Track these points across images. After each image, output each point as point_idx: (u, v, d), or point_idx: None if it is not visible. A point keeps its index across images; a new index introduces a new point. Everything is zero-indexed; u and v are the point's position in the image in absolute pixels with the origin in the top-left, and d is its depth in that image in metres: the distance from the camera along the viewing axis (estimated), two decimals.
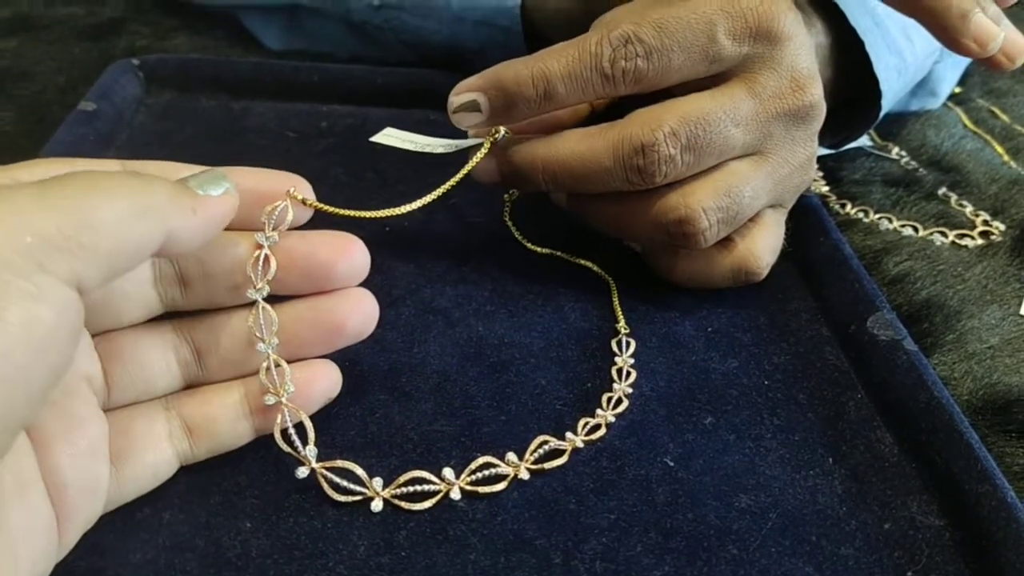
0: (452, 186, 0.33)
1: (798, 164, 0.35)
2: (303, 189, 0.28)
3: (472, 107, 0.34)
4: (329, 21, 0.53)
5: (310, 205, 0.28)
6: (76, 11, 0.60)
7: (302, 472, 0.27)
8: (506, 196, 0.42)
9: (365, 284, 0.29)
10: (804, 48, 0.34)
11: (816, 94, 0.34)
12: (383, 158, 0.45)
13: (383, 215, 0.31)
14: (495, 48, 0.50)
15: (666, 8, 0.32)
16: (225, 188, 0.24)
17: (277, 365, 0.27)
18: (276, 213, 0.27)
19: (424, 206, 0.32)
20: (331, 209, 0.30)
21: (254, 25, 0.57)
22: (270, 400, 0.27)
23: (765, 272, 0.36)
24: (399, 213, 0.31)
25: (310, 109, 0.50)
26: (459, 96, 0.34)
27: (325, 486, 0.27)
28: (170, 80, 0.49)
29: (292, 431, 0.27)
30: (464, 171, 0.34)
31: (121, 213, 0.20)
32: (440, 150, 0.36)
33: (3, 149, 0.45)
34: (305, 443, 0.27)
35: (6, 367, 0.17)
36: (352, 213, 0.31)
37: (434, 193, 0.33)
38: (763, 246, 0.36)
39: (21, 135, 0.46)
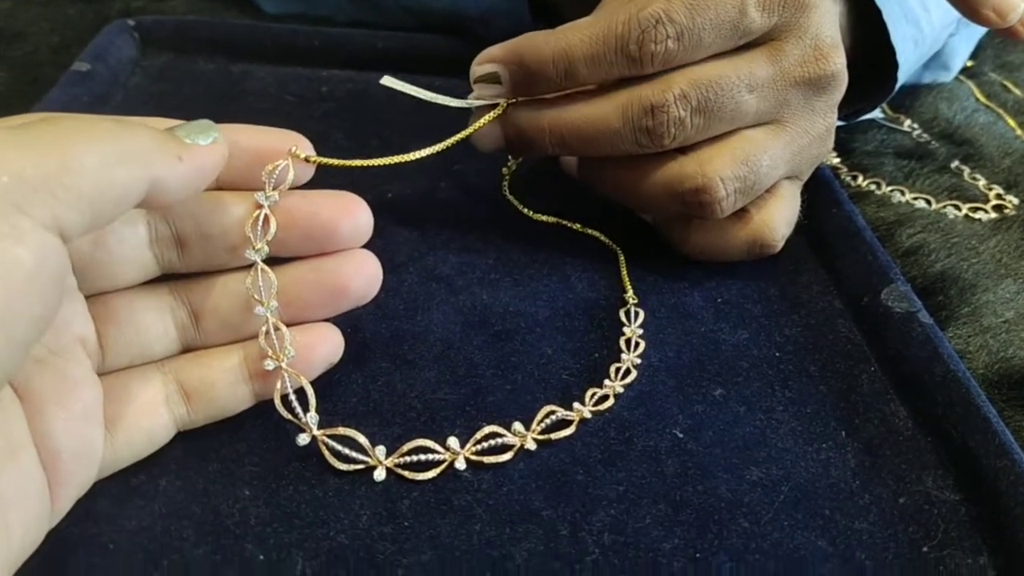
0: (460, 139, 0.32)
1: (817, 135, 0.34)
2: (304, 147, 0.27)
3: (493, 79, 0.33)
4: None
5: (312, 161, 0.27)
6: None
7: (303, 439, 0.26)
8: (505, 169, 0.40)
9: (367, 249, 0.28)
10: (829, 16, 0.33)
11: (839, 63, 0.33)
12: (385, 123, 0.44)
13: (386, 162, 0.30)
14: (498, 15, 0.48)
15: None
16: (213, 138, 0.23)
17: (276, 329, 0.26)
18: (276, 172, 0.26)
19: (427, 159, 0.31)
20: (335, 162, 0.29)
21: None
22: (270, 365, 0.26)
23: (780, 244, 0.35)
24: (404, 160, 0.31)
25: (310, 73, 0.49)
26: (480, 66, 0.33)
27: (327, 454, 0.26)
28: (167, 42, 0.48)
29: (293, 397, 0.26)
30: (473, 127, 0.33)
31: (103, 156, 0.19)
32: (450, 103, 0.35)
33: None
34: (306, 410, 0.26)
35: None
36: (355, 163, 0.30)
37: (443, 143, 0.32)
38: (779, 218, 0.35)
39: (14, 96, 0.45)
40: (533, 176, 0.40)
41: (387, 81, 0.34)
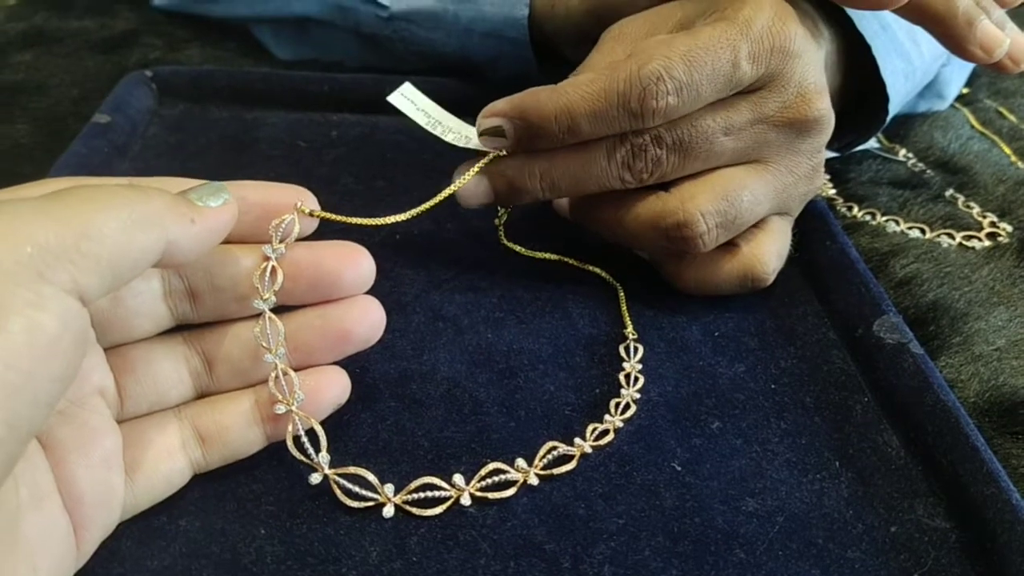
0: (449, 195, 0.34)
1: (802, 174, 0.36)
2: (309, 201, 0.29)
3: (497, 132, 0.34)
4: (339, 32, 0.54)
5: (316, 216, 0.29)
6: (89, 24, 0.61)
7: (315, 478, 0.27)
8: (496, 220, 0.41)
9: (374, 291, 0.29)
10: (812, 63, 0.34)
11: (823, 108, 0.34)
12: (393, 166, 0.46)
13: (383, 223, 0.32)
14: (505, 59, 0.50)
15: (691, 37, 0.32)
16: (224, 199, 0.25)
17: (285, 374, 0.28)
18: (283, 226, 0.28)
19: (430, 211, 0.32)
20: (337, 218, 0.30)
21: (265, 36, 0.58)
22: (280, 409, 0.27)
23: (772, 278, 0.36)
24: (400, 220, 0.32)
25: (321, 119, 0.50)
26: (486, 120, 0.34)
27: (338, 492, 0.27)
28: (183, 91, 0.50)
29: (304, 438, 0.27)
30: (460, 180, 0.34)
31: (119, 222, 0.21)
32: (449, 138, 0.36)
33: (19, 161, 0.45)
34: (318, 450, 0.28)
35: (11, 375, 0.18)
36: (358, 221, 0.31)
37: (430, 202, 0.33)
38: (769, 251, 0.36)
39: (36, 148, 0.46)
40: (530, 218, 0.42)
41: (395, 99, 0.35)
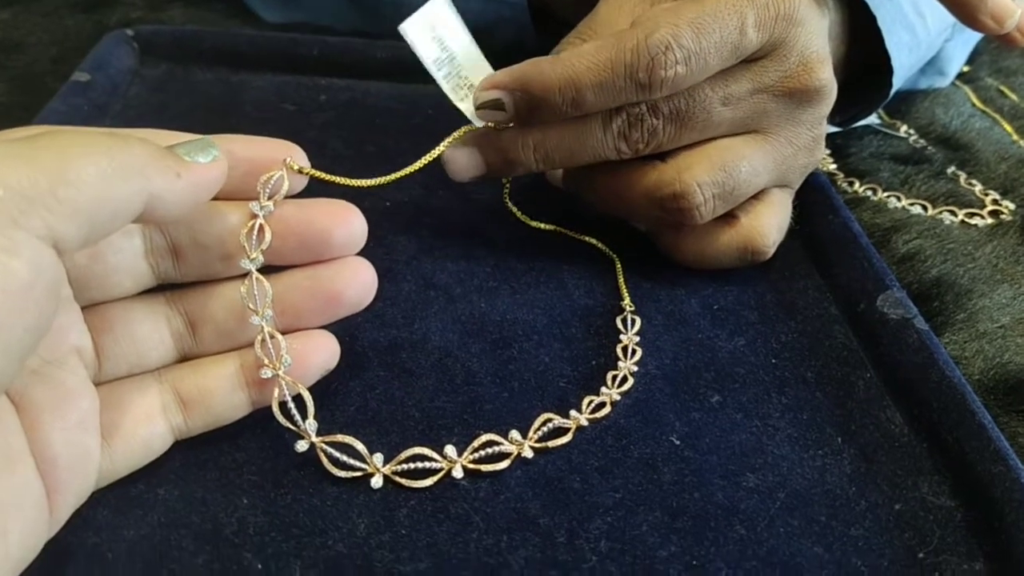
0: (436, 157, 0.33)
1: (802, 145, 0.35)
2: (298, 157, 0.27)
3: (496, 105, 0.32)
4: None
5: (306, 173, 0.27)
6: None
7: (302, 446, 0.26)
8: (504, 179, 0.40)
9: (364, 256, 0.28)
10: (816, 31, 0.33)
11: (825, 77, 0.33)
12: (383, 131, 0.45)
13: (375, 183, 0.30)
14: (501, 23, 0.49)
15: (698, 3, 0.31)
16: (213, 155, 0.23)
17: (272, 336, 0.26)
18: (271, 182, 0.27)
19: (418, 173, 0.31)
20: (327, 177, 0.29)
21: None
22: (267, 373, 0.26)
23: (772, 250, 0.35)
24: (391, 180, 0.31)
25: (309, 82, 0.49)
26: (484, 92, 0.33)
27: (325, 461, 0.26)
28: (165, 52, 0.48)
29: (291, 404, 0.26)
30: (446, 143, 0.33)
31: (99, 170, 0.19)
32: (447, 86, 0.34)
33: None
34: (305, 416, 0.26)
35: None
36: (348, 181, 0.30)
37: (421, 161, 0.32)
38: (768, 224, 0.35)
39: (14, 106, 0.45)
40: (532, 185, 0.41)
41: (410, 27, 0.33)
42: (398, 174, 0.31)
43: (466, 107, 0.34)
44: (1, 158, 0.18)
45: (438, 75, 0.34)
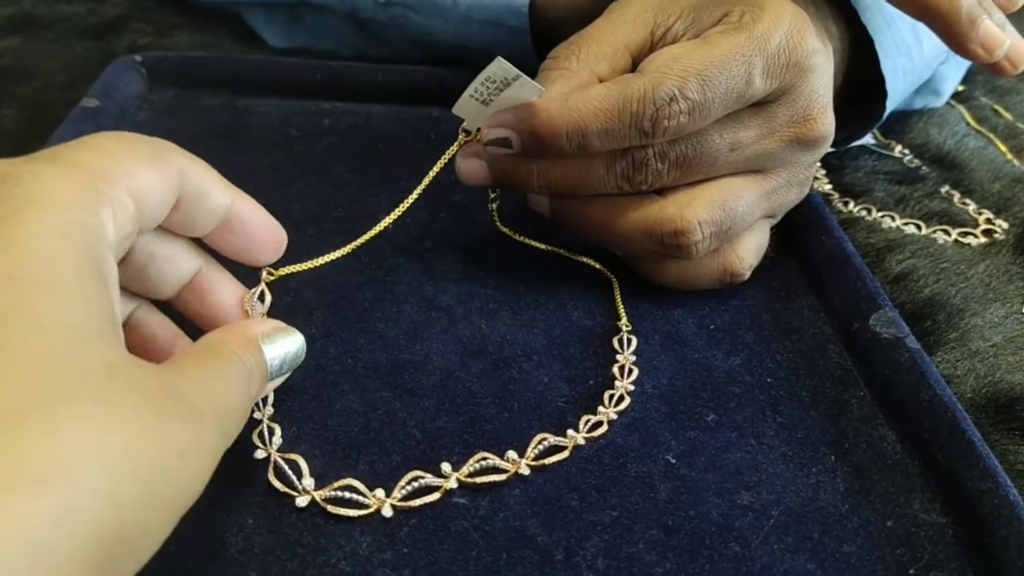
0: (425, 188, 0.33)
1: (797, 183, 0.36)
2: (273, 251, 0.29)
3: (504, 143, 0.33)
4: (333, 18, 0.53)
5: (283, 274, 0.30)
6: (78, 9, 0.60)
7: (302, 501, 0.27)
8: (491, 206, 0.40)
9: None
10: (824, 79, 0.34)
11: (827, 126, 0.34)
12: (386, 155, 0.45)
13: (346, 252, 0.32)
14: (502, 47, 0.49)
15: (706, 51, 0.31)
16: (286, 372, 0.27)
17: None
18: (255, 298, 0.29)
19: (420, 197, 0.32)
20: (307, 266, 0.31)
21: (256, 22, 0.57)
22: (260, 455, 0.28)
23: (748, 273, 0.37)
24: (375, 233, 0.32)
25: (313, 107, 0.50)
26: (492, 130, 0.33)
27: (330, 508, 0.26)
28: (172, 77, 0.49)
29: (287, 468, 0.27)
30: (445, 158, 0.34)
31: None
32: (467, 110, 0.34)
33: (6, 147, 0.45)
34: (300, 476, 0.27)
35: None
36: (325, 260, 0.31)
37: (418, 192, 0.33)
38: (746, 248, 0.36)
39: (23, 133, 0.46)
40: (524, 207, 0.41)
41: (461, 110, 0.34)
42: (375, 230, 0.33)
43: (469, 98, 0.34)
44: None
45: (476, 96, 0.33)
